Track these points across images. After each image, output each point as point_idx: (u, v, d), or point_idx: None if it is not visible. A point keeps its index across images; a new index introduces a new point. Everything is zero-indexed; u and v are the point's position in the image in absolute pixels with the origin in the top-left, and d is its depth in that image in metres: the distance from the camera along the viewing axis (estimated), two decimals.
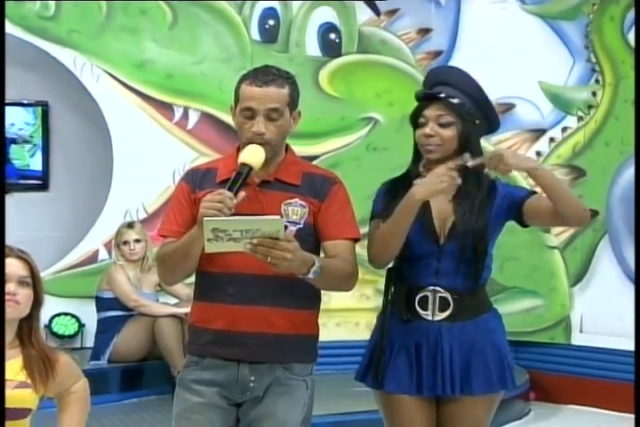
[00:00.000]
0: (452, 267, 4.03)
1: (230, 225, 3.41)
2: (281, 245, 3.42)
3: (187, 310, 7.62)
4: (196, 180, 3.83)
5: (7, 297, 3.37)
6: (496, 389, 4.08)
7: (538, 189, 4.06)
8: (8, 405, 3.34)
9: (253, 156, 3.64)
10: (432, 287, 4.02)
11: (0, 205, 5.11)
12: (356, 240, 3.83)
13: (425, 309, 4.03)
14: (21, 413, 3.39)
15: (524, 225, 4.11)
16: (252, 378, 3.71)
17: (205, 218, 3.43)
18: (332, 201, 3.81)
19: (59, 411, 3.57)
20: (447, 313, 4.03)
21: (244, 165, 3.60)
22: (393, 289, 4.13)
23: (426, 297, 4.03)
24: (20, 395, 3.39)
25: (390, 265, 4.13)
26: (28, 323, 3.48)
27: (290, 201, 3.73)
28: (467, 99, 4.04)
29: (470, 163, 3.93)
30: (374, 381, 4.07)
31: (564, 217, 3.94)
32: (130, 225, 7.91)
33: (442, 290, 4.02)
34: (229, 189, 3.53)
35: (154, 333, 7.48)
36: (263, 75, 3.77)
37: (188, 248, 3.64)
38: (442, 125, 4.02)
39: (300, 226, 3.67)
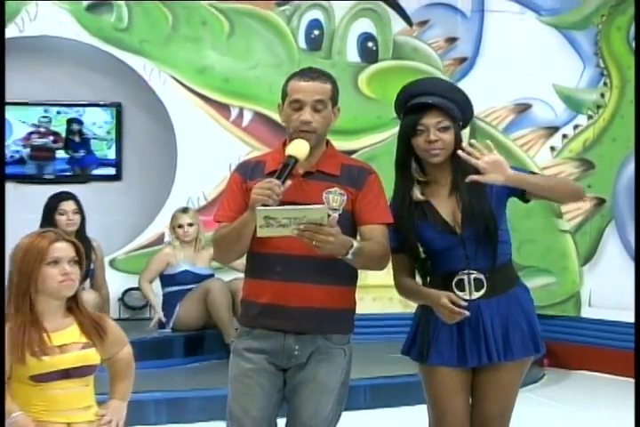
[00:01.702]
0: (476, 250, 3.98)
1: (280, 213, 3.42)
2: (324, 230, 3.44)
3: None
4: (248, 171, 3.82)
5: (64, 277, 3.36)
6: (531, 352, 4.06)
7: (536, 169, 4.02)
8: (79, 364, 3.37)
9: (299, 149, 3.63)
10: (465, 271, 3.98)
11: (0, 204, 4.90)
12: (389, 225, 3.83)
13: (462, 290, 3.98)
14: (91, 369, 3.42)
15: (525, 200, 4.05)
16: (297, 347, 3.73)
17: (258, 208, 3.44)
18: (368, 190, 3.79)
19: (110, 376, 3.59)
20: (482, 291, 3.98)
21: (290, 157, 3.60)
22: (429, 278, 4.09)
23: (462, 280, 3.98)
24: (88, 354, 3.41)
25: (422, 256, 4.09)
26: (75, 294, 3.48)
27: (330, 190, 3.72)
28: (452, 104, 3.99)
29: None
30: (419, 355, 4.04)
31: (560, 201, 4.08)
32: (184, 210, 7.93)
33: (475, 272, 3.98)
34: (277, 179, 3.53)
35: (207, 305, 7.52)
36: (309, 72, 3.80)
37: (241, 230, 3.64)
38: (441, 130, 3.93)
39: (339, 212, 3.65)
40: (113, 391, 3.56)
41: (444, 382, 4.03)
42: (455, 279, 3.99)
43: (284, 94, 3.79)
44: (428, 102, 3.94)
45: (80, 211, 7.38)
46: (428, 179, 4.04)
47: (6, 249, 6.96)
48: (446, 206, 4.01)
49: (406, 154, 4.03)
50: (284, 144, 3.80)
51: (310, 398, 3.73)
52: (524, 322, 4.06)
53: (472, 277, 3.99)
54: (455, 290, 3.98)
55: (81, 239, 7.21)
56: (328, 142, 3.87)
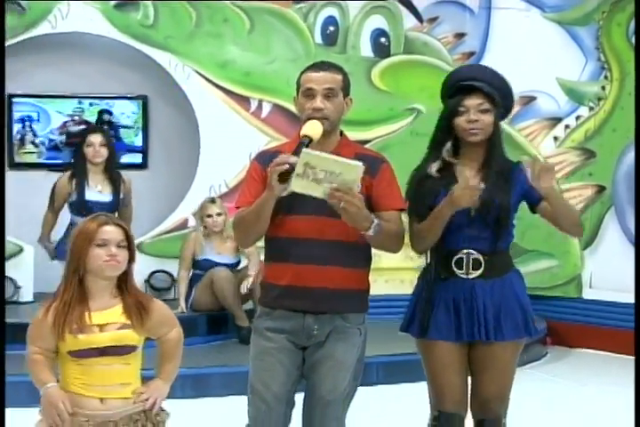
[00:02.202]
0: (481, 233, 4.00)
1: (320, 162, 3.38)
2: (354, 193, 3.40)
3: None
4: (266, 160, 3.71)
5: (109, 258, 3.38)
6: (522, 334, 4.07)
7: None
8: (115, 343, 3.36)
9: (313, 129, 3.59)
10: (466, 251, 3.99)
11: (0, 204, 4.88)
12: (402, 210, 3.83)
13: (460, 268, 4.01)
14: (126, 349, 3.40)
15: (532, 210, 4.08)
16: (316, 326, 3.73)
17: (304, 149, 3.41)
18: (381, 178, 3.76)
19: (158, 356, 3.58)
20: (479, 272, 4.00)
21: (305, 136, 3.56)
22: (431, 253, 4.09)
23: (461, 259, 4.00)
24: (125, 334, 3.39)
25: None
26: (125, 277, 3.48)
27: None
28: (495, 90, 4.04)
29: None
30: (419, 330, 4.05)
31: (561, 226, 4.04)
32: (212, 200, 7.92)
33: (474, 252, 4.00)
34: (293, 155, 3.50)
35: (214, 292, 7.56)
36: (321, 64, 3.79)
37: (260, 211, 3.60)
38: (482, 112, 3.99)
39: None
40: (159, 371, 3.55)
41: (443, 356, 4.04)
42: (455, 258, 4.02)
43: (298, 86, 3.76)
44: (472, 85, 4.00)
45: (108, 144, 7.30)
46: (457, 160, 4.05)
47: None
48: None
49: (446, 133, 4.06)
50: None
51: (328, 374, 3.73)
52: (516, 306, 4.07)
53: (471, 257, 4.01)
54: (454, 268, 4.01)
55: (110, 172, 7.29)
56: (342, 133, 3.83)
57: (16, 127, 8.79)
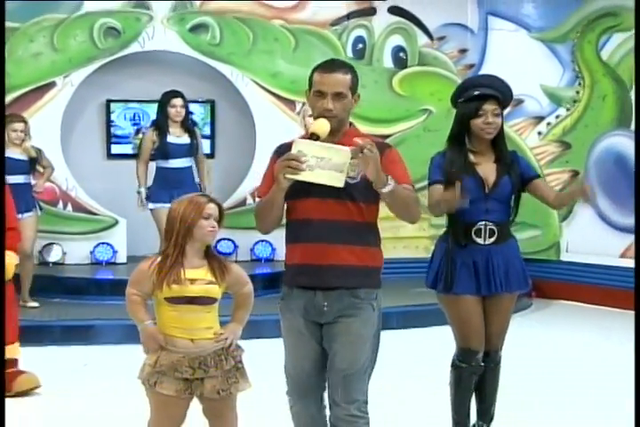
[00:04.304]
0: (495, 207, 4.04)
1: (311, 149, 3.12)
2: (374, 147, 3.12)
3: None
4: (282, 152, 3.33)
5: (211, 229, 3.34)
6: (524, 287, 4.17)
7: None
8: (203, 294, 3.34)
9: (321, 127, 3.23)
10: (483, 222, 4.02)
11: (0, 204, 4.79)
12: (411, 186, 3.40)
13: (479, 237, 4.03)
14: (211, 300, 3.37)
15: (523, 190, 4.15)
16: (325, 303, 3.31)
17: (296, 140, 3.19)
18: (388, 160, 3.28)
19: (233, 305, 3.53)
20: (493, 239, 4.04)
21: (312, 134, 3.21)
22: (452, 224, 4.10)
23: (480, 229, 4.03)
24: (210, 289, 3.36)
25: None
26: (209, 244, 3.44)
27: (350, 161, 3.16)
28: (502, 95, 4.04)
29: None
30: (445, 287, 4.05)
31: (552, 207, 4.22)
32: None
33: (490, 223, 4.03)
34: None
35: None
36: (331, 64, 3.36)
37: (272, 201, 3.26)
38: (496, 115, 4.00)
39: (357, 180, 3.22)
40: (234, 316, 3.49)
41: (468, 307, 4.06)
42: (474, 228, 4.03)
43: (310, 83, 3.36)
44: (491, 93, 4.00)
45: (185, 106, 7.46)
46: (477, 150, 4.08)
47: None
48: (486, 171, 4.06)
49: (463, 129, 4.07)
50: None
51: (347, 348, 3.30)
52: (518, 264, 4.16)
53: (488, 227, 4.03)
54: (474, 236, 4.04)
55: (186, 128, 7.45)
56: (351, 124, 3.44)
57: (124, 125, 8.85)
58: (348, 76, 3.31)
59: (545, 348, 6.74)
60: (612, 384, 5.49)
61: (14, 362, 5.08)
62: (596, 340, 6.98)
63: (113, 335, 6.49)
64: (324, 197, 3.25)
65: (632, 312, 7.52)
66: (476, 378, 4.18)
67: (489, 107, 3.99)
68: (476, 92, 4.02)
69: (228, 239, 8.54)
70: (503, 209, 4.08)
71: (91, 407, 5.03)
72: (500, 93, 4.03)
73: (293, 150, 3.13)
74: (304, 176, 3.13)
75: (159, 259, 3.38)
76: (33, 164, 7.12)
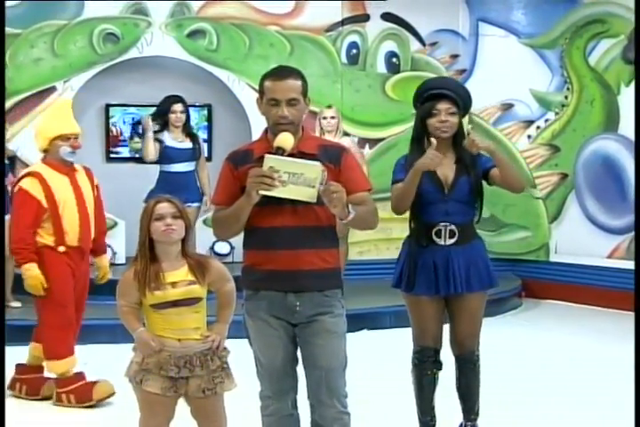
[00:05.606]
0: (456, 208, 4.01)
1: (283, 165, 3.09)
2: (342, 188, 3.13)
3: None
4: (238, 159, 3.36)
5: (166, 228, 3.32)
6: (486, 286, 4.11)
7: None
8: (186, 296, 3.35)
9: (285, 141, 3.20)
10: (443, 223, 4.00)
11: (0, 204, 4.78)
12: (369, 190, 3.40)
13: (439, 237, 4.01)
14: (195, 300, 3.37)
15: (489, 184, 4.11)
16: (297, 304, 3.30)
17: (267, 155, 3.12)
18: (345, 165, 3.32)
19: (217, 304, 3.51)
20: (454, 240, 4.01)
21: (278, 148, 3.18)
22: (414, 225, 4.10)
23: (440, 230, 4.01)
24: (192, 289, 3.36)
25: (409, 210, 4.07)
26: (185, 242, 3.42)
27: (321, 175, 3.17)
28: (459, 97, 4.02)
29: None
30: (407, 287, 4.07)
31: (507, 184, 4.02)
32: None
33: (451, 224, 4.01)
34: None
35: None
36: (281, 71, 3.36)
37: (239, 214, 3.25)
38: (450, 114, 3.97)
39: (322, 186, 3.16)
40: (219, 316, 3.48)
41: (426, 308, 4.08)
42: (435, 229, 4.01)
43: (262, 91, 3.33)
44: (443, 93, 4.00)
45: (186, 111, 7.48)
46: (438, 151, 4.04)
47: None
48: (445, 172, 4.02)
49: (422, 131, 4.06)
50: (267, 133, 3.39)
51: (326, 344, 3.31)
52: (481, 264, 4.09)
53: (448, 228, 4.01)
54: (434, 237, 4.02)
55: (188, 132, 7.48)
56: (303, 128, 3.40)
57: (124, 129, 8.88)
58: (299, 82, 3.31)
59: (534, 347, 6.75)
60: (602, 384, 5.51)
61: (81, 375, 5.10)
62: (584, 339, 7.01)
63: (113, 335, 6.50)
64: (294, 204, 3.23)
65: (620, 312, 7.63)
66: (437, 375, 4.15)
67: (442, 106, 3.98)
68: (430, 93, 4.02)
69: (224, 241, 8.51)
70: (465, 210, 4.05)
71: (91, 407, 5.04)
72: (454, 93, 4.02)
73: (265, 166, 3.10)
74: (277, 192, 3.12)
75: (135, 267, 3.38)
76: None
